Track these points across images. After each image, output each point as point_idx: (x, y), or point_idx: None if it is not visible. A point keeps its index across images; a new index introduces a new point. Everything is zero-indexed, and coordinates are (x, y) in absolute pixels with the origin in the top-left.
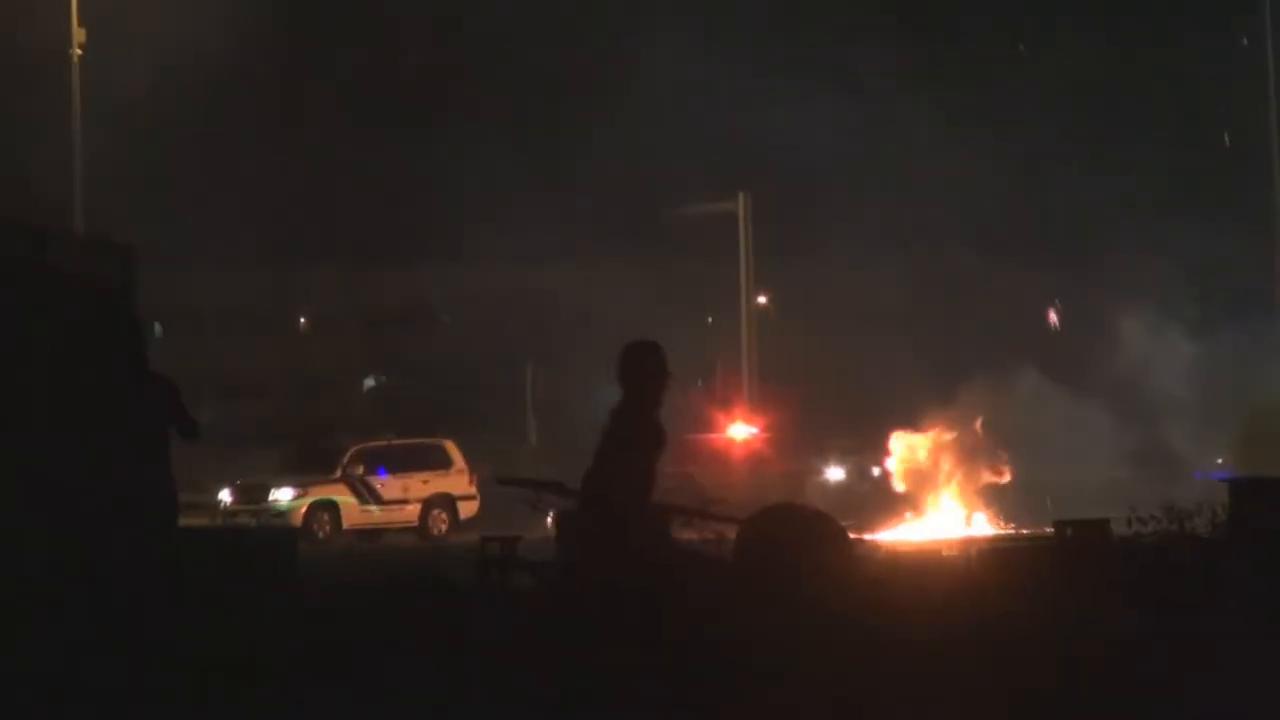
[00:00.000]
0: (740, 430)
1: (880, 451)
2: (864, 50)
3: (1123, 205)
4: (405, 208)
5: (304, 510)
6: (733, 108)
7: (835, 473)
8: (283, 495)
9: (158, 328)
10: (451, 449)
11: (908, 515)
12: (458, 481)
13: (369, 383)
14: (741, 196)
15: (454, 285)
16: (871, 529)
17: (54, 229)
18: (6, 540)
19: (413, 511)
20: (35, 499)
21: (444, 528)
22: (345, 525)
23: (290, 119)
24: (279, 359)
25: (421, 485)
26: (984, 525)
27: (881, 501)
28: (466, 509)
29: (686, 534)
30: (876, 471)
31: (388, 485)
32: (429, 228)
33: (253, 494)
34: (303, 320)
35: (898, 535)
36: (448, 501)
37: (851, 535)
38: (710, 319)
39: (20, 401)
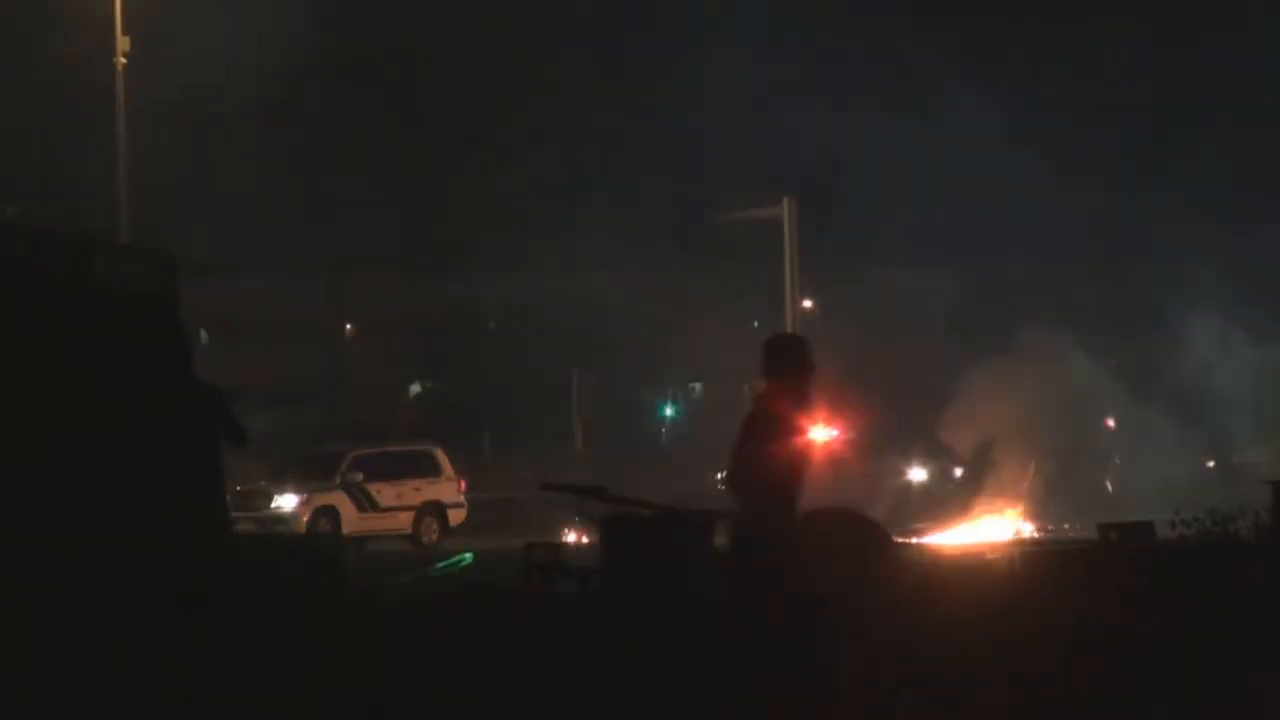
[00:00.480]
0: (820, 433)
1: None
2: (915, 53)
3: (1182, 209)
4: (450, 213)
5: (307, 517)
6: (782, 110)
7: (918, 474)
8: (286, 502)
9: (203, 335)
10: (441, 457)
11: (966, 517)
12: (447, 489)
13: (415, 389)
14: (786, 201)
15: (500, 291)
16: (923, 532)
17: (96, 238)
18: (52, 552)
19: (406, 519)
20: (79, 510)
21: (435, 535)
22: (345, 531)
23: (336, 125)
24: (326, 366)
25: (414, 493)
26: (1032, 528)
27: (960, 503)
28: (455, 517)
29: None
30: (959, 472)
31: (383, 492)
32: (474, 233)
33: (251, 501)
34: (349, 326)
35: (947, 538)
36: (438, 509)
37: (898, 539)
38: (756, 323)
39: (63, 412)
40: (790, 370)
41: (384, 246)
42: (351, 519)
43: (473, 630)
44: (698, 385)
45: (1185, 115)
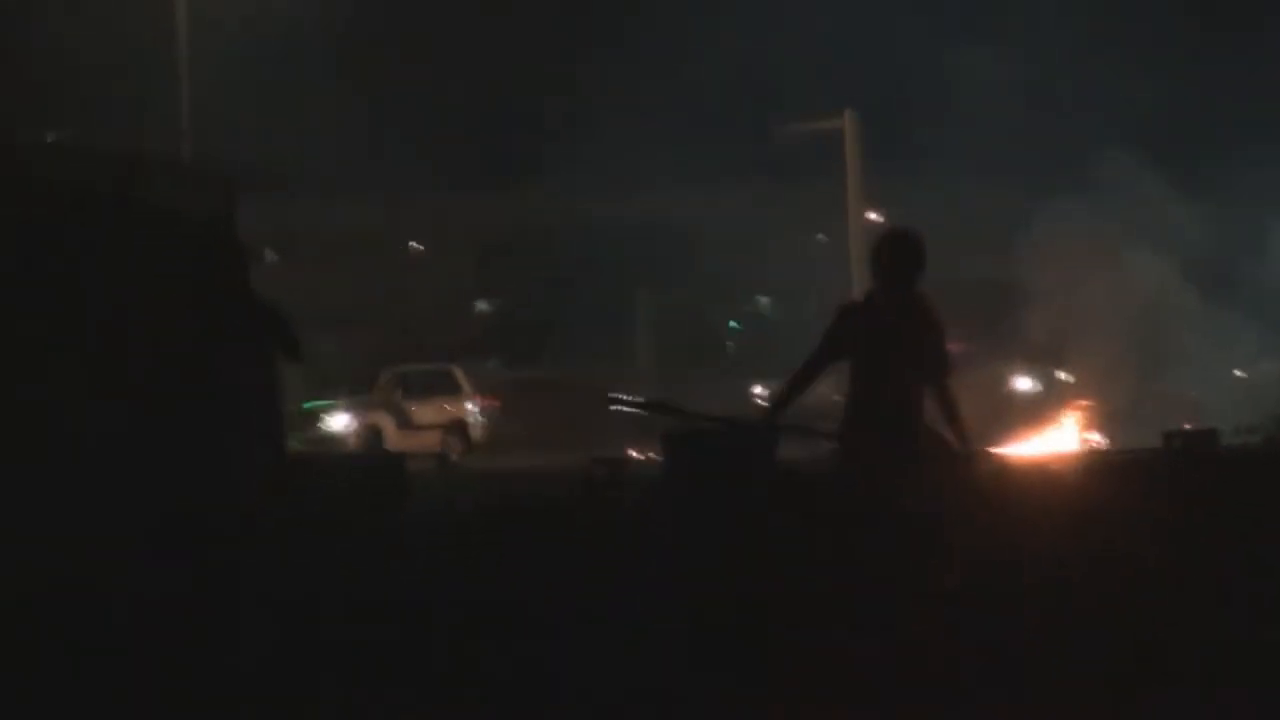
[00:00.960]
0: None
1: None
2: None
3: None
4: (514, 130)
5: (355, 436)
6: (844, 19)
7: (1023, 382)
8: (337, 422)
9: (270, 254)
10: (460, 376)
11: (1047, 425)
12: (468, 407)
13: (481, 306)
14: (847, 114)
15: (563, 209)
16: (994, 443)
17: (149, 157)
18: (107, 477)
19: (434, 437)
20: (135, 435)
21: (459, 453)
22: (388, 448)
23: (400, 40)
24: (389, 285)
25: (442, 411)
26: (1100, 436)
27: (1054, 408)
28: (474, 433)
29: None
30: (1062, 376)
31: (418, 411)
32: (537, 150)
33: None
34: (413, 245)
35: (1018, 449)
36: (462, 428)
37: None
38: (822, 236)
39: (108, 333)
40: (895, 267)
41: (447, 164)
42: (392, 436)
43: (524, 546)
44: (764, 299)
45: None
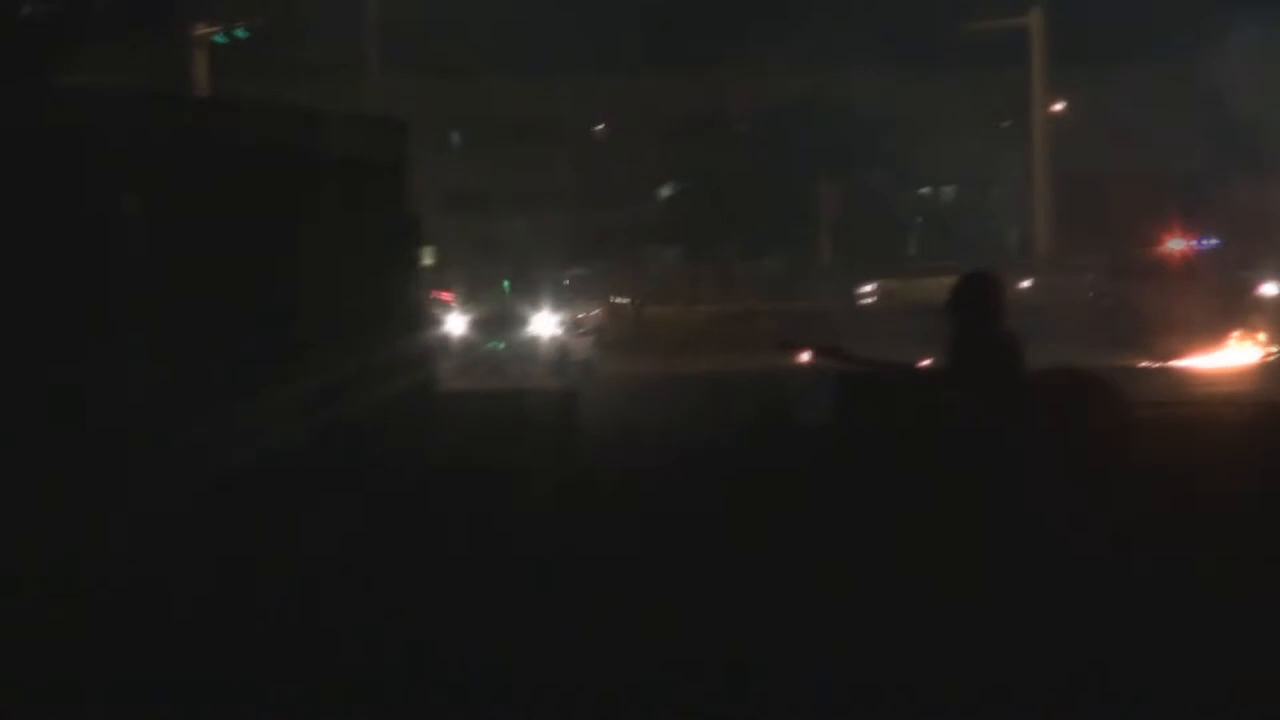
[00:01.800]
0: (1178, 245)
1: None
2: None
3: None
4: (698, 13)
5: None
6: None
7: (1270, 288)
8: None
9: (458, 138)
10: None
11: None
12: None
13: (665, 192)
14: (1034, 12)
15: (749, 95)
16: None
17: (321, 110)
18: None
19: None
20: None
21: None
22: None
23: None
24: (574, 168)
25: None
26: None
27: None
28: None
29: None
30: None
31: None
32: (723, 35)
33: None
34: (598, 128)
35: (1199, 362)
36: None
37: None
38: (1007, 123)
39: (288, 280)
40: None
41: (634, 49)
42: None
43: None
44: (949, 189)
45: None
